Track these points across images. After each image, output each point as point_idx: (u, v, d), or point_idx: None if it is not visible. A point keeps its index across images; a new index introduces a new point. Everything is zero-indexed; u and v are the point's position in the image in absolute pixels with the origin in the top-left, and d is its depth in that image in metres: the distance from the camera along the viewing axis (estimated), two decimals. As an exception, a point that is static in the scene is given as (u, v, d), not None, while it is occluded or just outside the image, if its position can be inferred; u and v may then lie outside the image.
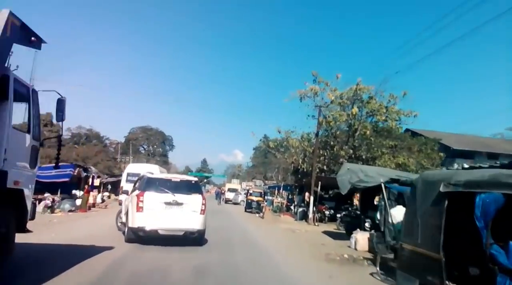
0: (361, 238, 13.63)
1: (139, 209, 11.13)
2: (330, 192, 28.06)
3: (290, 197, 37.58)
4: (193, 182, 12.51)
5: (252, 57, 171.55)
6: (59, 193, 24.00)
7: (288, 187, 35.32)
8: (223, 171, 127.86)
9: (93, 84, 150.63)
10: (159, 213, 11.16)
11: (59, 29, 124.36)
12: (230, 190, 50.73)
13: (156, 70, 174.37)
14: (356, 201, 35.78)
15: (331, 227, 22.03)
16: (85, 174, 28.70)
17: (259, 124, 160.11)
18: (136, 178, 15.03)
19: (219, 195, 43.48)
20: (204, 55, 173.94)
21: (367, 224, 15.29)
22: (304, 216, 25.23)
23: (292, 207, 31.97)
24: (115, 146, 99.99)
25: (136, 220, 11.10)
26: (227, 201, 46.97)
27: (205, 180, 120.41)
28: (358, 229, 14.68)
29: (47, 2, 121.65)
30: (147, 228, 10.99)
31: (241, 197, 44.61)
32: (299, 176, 29.80)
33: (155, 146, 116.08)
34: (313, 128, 26.20)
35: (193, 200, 11.63)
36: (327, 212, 24.01)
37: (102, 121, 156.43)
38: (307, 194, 32.08)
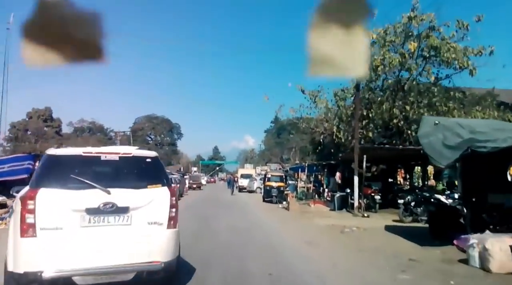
0: (497, 249, 7.03)
1: (25, 230, 4.72)
2: (374, 169, 21.38)
3: (316, 180, 31.05)
4: (148, 160, 5.73)
5: (256, 31, 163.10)
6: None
7: (314, 168, 28.81)
8: (235, 157, 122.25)
9: (93, 74, 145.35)
10: (73, 236, 4.81)
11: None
12: (243, 176, 44.26)
13: (158, 56, 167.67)
14: (400, 178, 29.26)
15: (388, 218, 15.56)
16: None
17: (270, 105, 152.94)
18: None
19: (231, 183, 36.85)
20: (206, 35, 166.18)
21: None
22: (343, 204, 18.76)
23: (322, 192, 25.42)
24: (120, 137, 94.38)
25: (21, 257, 4.73)
26: (241, 189, 40.65)
27: (218, 168, 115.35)
28: (473, 233, 8.07)
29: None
30: (47, 274, 4.61)
31: (257, 184, 38.18)
32: (332, 150, 23.13)
33: (163, 135, 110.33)
34: (346, 83, 19.40)
35: (151, 200, 5.26)
36: (377, 197, 17.42)
37: (105, 112, 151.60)
38: (338, 174, 25.53)
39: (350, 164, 22.43)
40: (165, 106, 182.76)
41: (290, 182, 30.52)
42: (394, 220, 14.81)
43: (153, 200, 5.24)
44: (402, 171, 27.34)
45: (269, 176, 26.53)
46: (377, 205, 17.37)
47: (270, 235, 11.58)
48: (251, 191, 38.72)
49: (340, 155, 19.51)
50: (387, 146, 17.49)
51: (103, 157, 5.32)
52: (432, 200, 12.34)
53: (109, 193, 4.97)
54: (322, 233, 12.07)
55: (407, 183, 26.75)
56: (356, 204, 16.43)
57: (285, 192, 21.33)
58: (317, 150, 34.18)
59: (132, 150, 5.79)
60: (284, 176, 26.44)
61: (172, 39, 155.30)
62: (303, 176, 32.85)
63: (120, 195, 5.04)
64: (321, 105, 19.41)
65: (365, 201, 17.17)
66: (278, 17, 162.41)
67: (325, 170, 27.43)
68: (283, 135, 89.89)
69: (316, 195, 25.06)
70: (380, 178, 20.94)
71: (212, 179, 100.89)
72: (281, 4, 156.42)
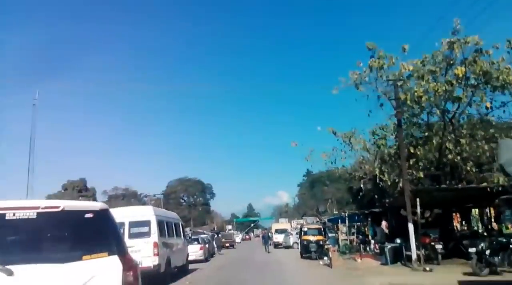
0: None
1: None
2: (427, 214, 18.48)
3: (359, 231, 27.97)
4: (88, 216, 3.72)
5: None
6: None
7: (356, 217, 25.95)
8: (269, 214, 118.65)
9: (125, 142, 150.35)
10: None
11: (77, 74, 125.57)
12: (278, 231, 41.33)
13: (185, 121, 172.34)
14: (456, 223, 25.71)
15: (455, 271, 12.72)
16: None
17: (300, 154, 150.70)
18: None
19: (266, 239, 33.90)
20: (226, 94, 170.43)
21: None
22: (396, 256, 15.91)
23: (367, 244, 22.40)
24: (153, 201, 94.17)
25: None
26: (276, 245, 37.61)
27: (253, 225, 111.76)
28: None
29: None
30: None
31: (293, 239, 35.22)
32: (376, 196, 20.55)
33: (195, 196, 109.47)
34: (382, 120, 17.35)
35: (88, 279, 3.35)
36: (438, 247, 14.53)
37: (138, 178, 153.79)
38: (384, 223, 22.64)
39: (399, 210, 19.68)
40: (196, 167, 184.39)
41: (329, 235, 27.59)
42: (465, 273, 11.94)
43: (93, 279, 3.37)
44: (458, 215, 24.03)
45: (305, 229, 23.90)
46: (439, 256, 14.44)
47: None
48: (287, 247, 35.66)
49: (387, 201, 16.98)
50: (443, 186, 14.99)
51: (8, 215, 3.52)
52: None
53: (10, 273, 3.17)
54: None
55: (465, 228, 23.34)
56: (414, 256, 13.64)
57: (326, 247, 18.66)
58: (358, 198, 31.41)
59: (63, 203, 3.88)
60: (322, 229, 23.76)
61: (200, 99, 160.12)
62: (343, 228, 29.87)
63: (31, 276, 3.22)
64: (357, 147, 17.33)
65: (423, 251, 14.33)
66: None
67: (369, 219, 24.58)
68: (317, 187, 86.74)
69: (362, 248, 22.05)
70: (436, 224, 18.00)
71: (247, 236, 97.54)
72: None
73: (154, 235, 13.77)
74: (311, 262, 20.26)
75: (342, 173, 20.23)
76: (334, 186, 60.19)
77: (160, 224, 14.48)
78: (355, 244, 25.60)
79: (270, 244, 35.15)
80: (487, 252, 11.61)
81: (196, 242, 25.46)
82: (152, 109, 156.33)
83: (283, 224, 48.37)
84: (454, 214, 24.08)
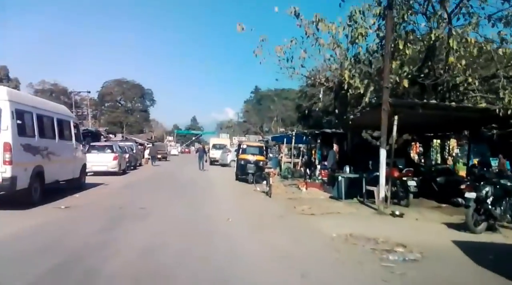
0: None
1: None
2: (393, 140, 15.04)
3: (305, 153, 24.73)
4: None
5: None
6: None
7: (304, 138, 22.37)
8: (214, 129, 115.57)
9: (57, 30, 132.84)
10: None
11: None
12: (215, 146, 37.45)
13: (132, 19, 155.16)
14: (414, 153, 23.15)
15: (432, 218, 9.54)
16: None
17: (251, 74, 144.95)
18: None
19: (201, 154, 28.88)
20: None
21: None
22: (350, 190, 12.49)
23: (312, 170, 19.12)
24: (86, 102, 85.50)
25: None
26: (212, 161, 34.03)
27: (194, 138, 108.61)
28: None
29: None
30: None
31: (231, 156, 31.70)
32: (334, 110, 16.58)
33: (134, 101, 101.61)
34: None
35: None
36: (411, 184, 11.11)
37: (70, 76, 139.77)
38: (335, 147, 19.19)
39: (360, 131, 16.12)
40: (137, 71, 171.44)
41: (270, 156, 24.11)
42: (448, 224, 8.67)
43: None
44: (417, 144, 21.30)
45: (244, 146, 19.88)
46: (410, 196, 11.13)
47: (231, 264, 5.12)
48: (224, 165, 32.27)
49: (351, 117, 12.94)
50: (433, 102, 11.11)
51: None
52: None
53: None
54: (346, 269, 5.60)
55: (422, 160, 20.73)
56: (381, 194, 10.07)
57: (266, 170, 14.82)
58: (306, 117, 27.71)
59: None
60: (264, 148, 19.90)
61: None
62: (286, 149, 26.51)
63: None
64: (324, 42, 12.61)
65: (393, 188, 10.88)
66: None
67: (318, 141, 21.08)
68: (264, 105, 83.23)
69: (307, 174, 18.74)
70: (401, 153, 14.69)
71: (186, 150, 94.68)
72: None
73: (6, 133, 8.83)
74: (247, 187, 16.60)
75: (298, 81, 15.71)
76: (282, 104, 56.72)
77: (21, 116, 9.45)
78: (299, 168, 22.41)
79: (205, 161, 31.18)
80: (489, 200, 8.24)
81: (109, 150, 20.69)
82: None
83: (222, 139, 44.33)
84: (414, 143, 21.38)
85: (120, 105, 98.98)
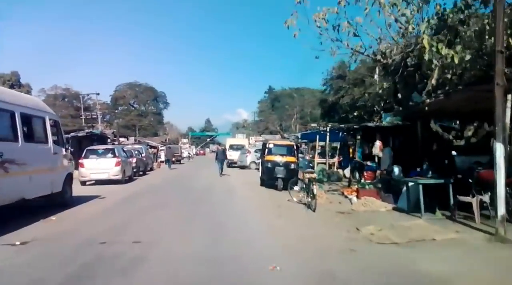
0: None
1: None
2: (470, 131, 11.35)
3: (342, 151, 21.09)
4: None
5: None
6: None
7: (341, 135, 18.71)
8: (228, 130, 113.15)
9: (68, 34, 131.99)
10: None
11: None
12: (233, 147, 33.97)
13: (144, 21, 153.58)
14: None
15: None
16: None
17: (263, 75, 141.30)
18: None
19: (221, 158, 23.24)
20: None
21: None
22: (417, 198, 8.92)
23: (360, 172, 15.50)
24: (100, 106, 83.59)
25: None
26: (230, 163, 30.76)
27: (209, 140, 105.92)
28: None
29: None
30: None
31: (251, 157, 28.38)
32: (395, 94, 12.99)
33: (147, 105, 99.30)
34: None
35: None
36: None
37: (82, 80, 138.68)
38: (378, 144, 15.68)
39: (428, 122, 12.43)
40: (149, 74, 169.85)
41: (301, 156, 20.61)
42: None
43: None
44: None
45: (271, 146, 16.39)
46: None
47: None
48: (242, 167, 28.91)
49: (427, 100, 9.31)
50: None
51: None
52: None
53: None
54: None
55: None
56: (501, 210, 6.51)
57: (306, 174, 11.26)
58: (331, 112, 24.23)
59: None
60: (294, 147, 16.40)
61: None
62: (320, 148, 22.75)
63: None
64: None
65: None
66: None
67: (358, 137, 17.51)
68: (280, 103, 79.70)
69: (354, 177, 15.11)
70: (483, 149, 11.05)
71: (201, 152, 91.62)
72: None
73: None
74: (277, 196, 13.16)
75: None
76: (300, 101, 52.95)
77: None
78: (335, 170, 18.83)
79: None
80: None
81: (110, 155, 17.57)
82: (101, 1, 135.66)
83: (239, 139, 40.85)
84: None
85: (133, 108, 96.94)
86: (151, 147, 43.32)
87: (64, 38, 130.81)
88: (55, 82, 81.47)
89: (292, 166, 14.85)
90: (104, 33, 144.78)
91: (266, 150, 16.21)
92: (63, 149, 10.50)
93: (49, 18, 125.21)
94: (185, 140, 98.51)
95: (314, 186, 10.10)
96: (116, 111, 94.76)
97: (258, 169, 18.89)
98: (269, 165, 15.20)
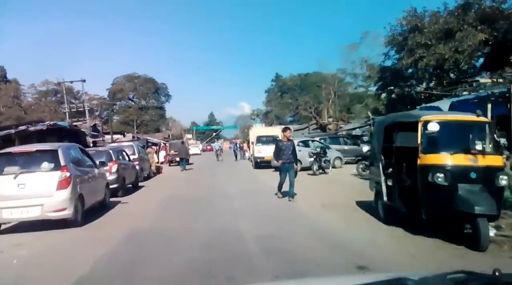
0: None
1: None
2: None
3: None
4: None
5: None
6: None
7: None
8: (232, 124, 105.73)
9: (62, 27, 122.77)
10: None
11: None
12: (261, 140, 24.06)
13: (138, 10, 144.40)
14: None
15: None
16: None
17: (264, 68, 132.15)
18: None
19: (236, 153, 15.41)
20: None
21: None
22: None
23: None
24: (97, 101, 75.29)
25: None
26: (258, 162, 21.75)
27: (215, 134, 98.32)
28: None
29: None
30: None
31: (306, 154, 18.79)
32: None
33: (147, 98, 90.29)
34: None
35: None
36: None
37: (75, 73, 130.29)
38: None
39: None
40: (147, 64, 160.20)
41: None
42: None
43: None
44: None
45: (434, 128, 5.67)
46: None
47: None
48: (306, 169, 18.65)
49: None
50: None
51: None
52: None
53: None
54: None
55: None
56: None
57: None
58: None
59: None
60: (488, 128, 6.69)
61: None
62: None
63: None
64: None
65: None
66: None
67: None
68: (290, 93, 70.58)
69: None
70: None
71: (208, 147, 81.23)
72: None
73: None
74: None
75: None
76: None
77: None
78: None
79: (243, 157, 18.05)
80: None
81: (48, 164, 8.24)
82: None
83: (270, 129, 29.35)
84: None
85: (132, 102, 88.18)
86: (153, 144, 34.36)
87: (56, 30, 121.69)
88: (46, 77, 72.99)
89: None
90: (98, 21, 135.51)
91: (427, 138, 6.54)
92: None
93: (36, 10, 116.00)
94: (189, 136, 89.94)
95: None
96: (115, 106, 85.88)
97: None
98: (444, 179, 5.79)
